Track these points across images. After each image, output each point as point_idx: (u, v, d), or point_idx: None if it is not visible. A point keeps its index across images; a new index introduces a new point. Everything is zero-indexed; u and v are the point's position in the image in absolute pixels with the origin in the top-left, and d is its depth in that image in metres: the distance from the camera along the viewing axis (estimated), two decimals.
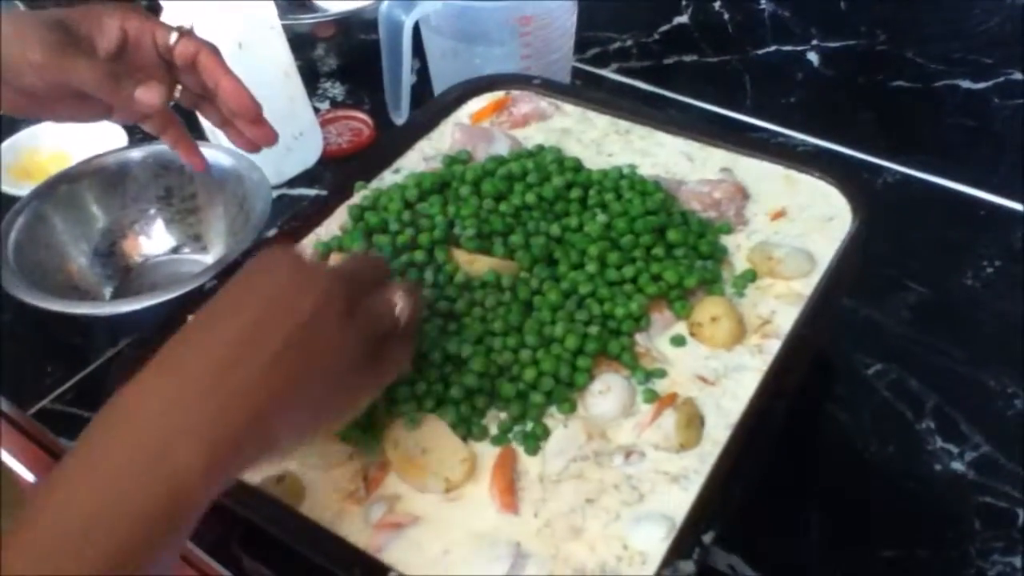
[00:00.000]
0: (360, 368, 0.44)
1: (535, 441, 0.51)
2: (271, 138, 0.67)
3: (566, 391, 0.53)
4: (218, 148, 0.79)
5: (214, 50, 0.64)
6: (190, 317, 0.43)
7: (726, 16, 0.90)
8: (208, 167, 0.73)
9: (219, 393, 0.39)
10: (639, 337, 0.56)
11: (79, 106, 0.63)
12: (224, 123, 0.68)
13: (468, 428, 0.52)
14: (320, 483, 0.51)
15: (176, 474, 0.36)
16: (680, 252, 0.60)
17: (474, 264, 0.59)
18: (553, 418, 0.53)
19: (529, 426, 0.52)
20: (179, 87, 0.66)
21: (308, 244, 0.65)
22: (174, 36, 0.63)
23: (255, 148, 0.69)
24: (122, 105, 0.63)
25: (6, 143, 0.89)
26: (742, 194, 0.66)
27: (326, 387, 0.43)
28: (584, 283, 0.57)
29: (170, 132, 0.69)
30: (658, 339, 0.57)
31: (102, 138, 0.87)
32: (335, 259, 0.60)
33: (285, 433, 0.41)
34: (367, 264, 0.50)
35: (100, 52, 0.62)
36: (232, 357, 0.40)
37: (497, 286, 0.58)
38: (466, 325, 0.56)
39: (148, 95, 0.62)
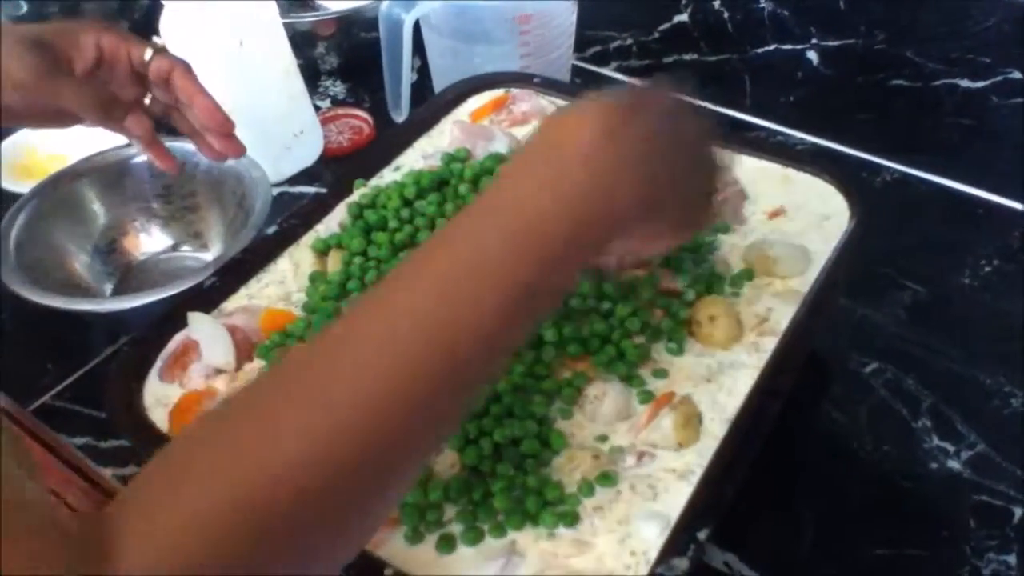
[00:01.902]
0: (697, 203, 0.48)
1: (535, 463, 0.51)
2: (240, 151, 0.69)
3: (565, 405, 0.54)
4: None
5: (187, 67, 0.66)
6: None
7: (726, 15, 0.90)
8: (182, 165, 0.74)
9: (584, 184, 0.40)
10: (638, 339, 0.56)
11: (53, 118, 0.65)
12: (194, 134, 0.70)
13: (474, 453, 0.50)
14: None
15: (613, 209, 0.40)
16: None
17: None
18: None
19: (526, 445, 0.51)
20: (149, 96, 0.69)
21: (307, 242, 0.65)
22: (149, 53, 0.66)
23: (222, 158, 0.71)
24: (105, 123, 0.66)
25: (6, 141, 0.89)
26: (740, 193, 0.66)
27: (686, 205, 0.46)
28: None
29: (143, 137, 0.70)
30: (656, 339, 0.57)
31: (102, 136, 0.87)
32: None
33: (634, 229, 0.43)
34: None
35: (77, 70, 0.64)
36: (658, 154, 0.42)
37: None
38: None
39: (138, 126, 0.66)
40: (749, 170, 0.68)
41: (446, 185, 0.67)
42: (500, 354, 0.39)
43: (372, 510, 0.36)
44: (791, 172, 0.67)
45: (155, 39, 0.66)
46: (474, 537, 0.47)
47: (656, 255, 0.55)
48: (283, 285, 0.63)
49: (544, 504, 0.48)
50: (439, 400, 0.36)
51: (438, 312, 0.36)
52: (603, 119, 0.41)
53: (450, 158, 0.69)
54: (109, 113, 0.65)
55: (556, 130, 0.42)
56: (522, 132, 0.73)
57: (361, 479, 0.33)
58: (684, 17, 0.93)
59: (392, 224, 0.63)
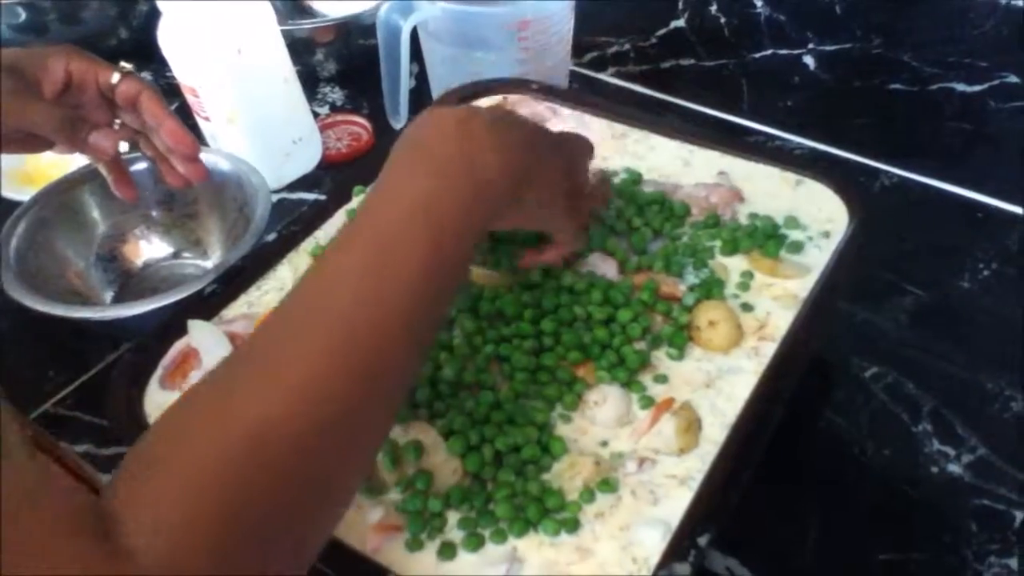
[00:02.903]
0: (559, 189, 0.53)
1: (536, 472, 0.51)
2: (203, 176, 0.71)
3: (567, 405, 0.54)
4: (219, 153, 0.80)
5: (154, 91, 0.68)
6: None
7: (723, 20, 0.90)
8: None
9: (507, 132, 0.47)
10: (638, 344, 0.56)
11: (26, 143, 0.66)
12: (159, 158, 0.71)
13: (476, 460, 0.50)
14: None
15: (482, 175, 0.45)
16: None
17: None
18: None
19: (527, 452, 0.51)
20: (118, 121, 0.69)
21: (307, 248, 0.65)
22: (116, 77, 0.67)
23: (186, 184, 0.72)
24: (76, 148, 0.67)
25: None
26: (738, 197, 0.66)
27: (544, 175, 0.51)
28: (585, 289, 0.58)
29: (108, 156, 0.70)
30: (656, 345, 0.57)
31: None
32: None
33: (532, 190, 0.49)
34: (577, 138, 0.58)
35: (47, 93, 0.65)
36: (506, 116, 0.49)
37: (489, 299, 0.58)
38: (459, 347, 0.56)
39: (103, 142, 0.67)
40: (747, 174, 0.68)
41: None
42: (422, 318, 0.42)
43: (348, 456, 0.39)
44: (789, 176, 0.67)
45: (123, 63, 0.67)
46: (475, 544, 0.47)
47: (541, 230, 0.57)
48: (283, 292, 0.63)
49: (545, 511, 0.48)
50: (375, 356, 0.39)
51: (360, 290, 0.40)
52: (458, 111, 0.47)
53: None
54: (77, 134, 0.66)
55: (417, 127, 0.47)
56: None
57: (332, 430, 0.37)
58: (681, 22, 0.93)
59: None
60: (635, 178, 0.68)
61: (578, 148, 0.57)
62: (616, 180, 0.68)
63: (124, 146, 0.69)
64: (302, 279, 0.41)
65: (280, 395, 0.36)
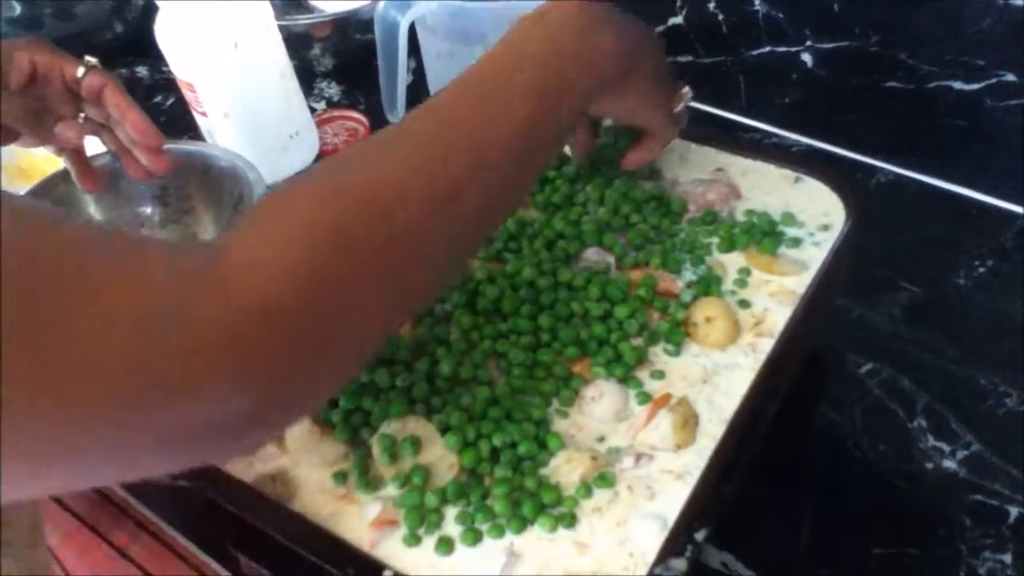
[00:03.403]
0: (663, 87, 0.59)
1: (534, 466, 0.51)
2: (166, 167, 0.72)
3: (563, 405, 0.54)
4: (214, 147, 0.79)
5: (118, 83, 0.69)
6: None
7: (720, 17, 0.90)
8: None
9: (618, 27, 0.51)
10: (635, 340, 0.56)
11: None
12: (122, 151, 0.72)
13: (473, 456, 0.51)
14: (315, 481, 0.51)
15: (596, 51, 0.49)
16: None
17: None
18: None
19: (523, 447, 0.51)
20: (83, 114, 0.71)
21: None
22: (81, 70, 0.68)
23: (148, 176, 0.73)
24: (41, 139, 0.69)
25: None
26: (735, 194, 0.66)
27: (652, 61, 0.55)
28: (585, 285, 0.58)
29: (72, 146, 0.71)
30: (653, 341, 0.57)
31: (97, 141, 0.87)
32: None
33: (637, 78, 0.54)
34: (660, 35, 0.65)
35: (12, 85, 0.66)
36: (621, 15, 0.52)
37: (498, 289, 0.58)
38: (456, 342, 0.56)
39: (68, 133, 0.68)
40: (744, 171, 0.68)
41: None
42: (518, 162, 0.45)
43: (446, 239, 0.41)
44: (786, 173, 0.67)
45: (88, 58, 0.68)
46: (473, 538, 0.48)
47: (635, 123, 0.62)
48: None
49: (542, 507, 0.48)
50: (479, 160, 0.42)
51: (470, 121, 0.43)
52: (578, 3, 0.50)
53: None
54: (42, 125, 0.68)
55: (546, 8, 0.49)
56: None
57: (439, 206, 0.40)
58: (679, 19, 0.93)
59: None
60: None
61: (663, 45, 0.60)
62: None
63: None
64: (416, 110, 0.44)
65: (397, 165, 0.39)
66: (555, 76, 0.46)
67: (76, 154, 0.72)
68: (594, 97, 0.50)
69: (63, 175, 0.76)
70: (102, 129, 0.71)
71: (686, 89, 0.62)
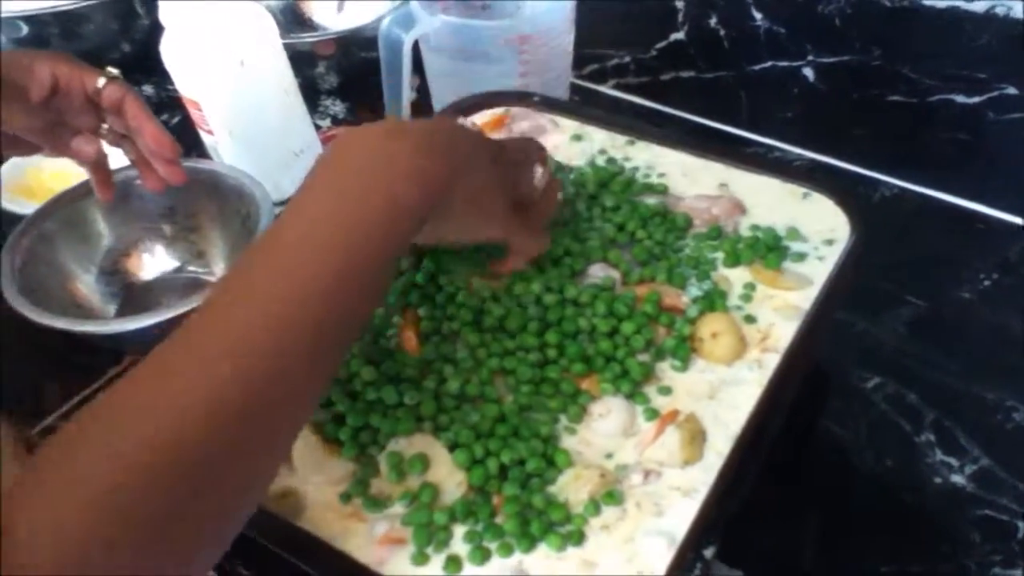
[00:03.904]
0: (501, 201, 0.54)
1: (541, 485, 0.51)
2: (181, 178, 0.72)
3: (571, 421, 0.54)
4: (220, 165, 0.80)
5: (138, 96, 0.70)
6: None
7: (722, 32, 0.91)
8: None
9: (428, 155, 0.46)
10: (642, 356, 0.56)
11: (13, 144, 0.69)
12: (140, 162, 0.73)
13: (481, 473, 0.50)
14: (323, 499, 0.51)
15: (395, 198, 0.44)
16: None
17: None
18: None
19: (532, 464, 0.51)
20: (104, 125, 0.71)
21: None
22: (102, 81, 0.68)
23: (163, 187, 0.74)
24: (59, 152, 0.69)
25: (8, 162, 0.89)
26: (739, 209, 0.66)
27: (481, 189, 0.51)
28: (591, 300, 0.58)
29: (90, 160, 0.72)
30: (660, 357, 0.57)
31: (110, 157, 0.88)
32: None
33: (458, 207, 0.49)
34: (524, 142, 0.59)
35: (33, 97, 0.66)
36: (435, 134, 0.48)
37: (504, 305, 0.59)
38: (463, 360, 0.56)
39: (85, 147, 0.69)
40: (748, 186, 0.68)
41: None
42: (325, 338, 0.41)
43: (238, 461, 0.38)
44: (790, 188, 0.68)
45: (109, 68, 0.69)
46: (481, 557, 0.47)
47: (485, 241, 0.57)
48: None
49: (550, 525, 0.48)
50: (275, 373, 0.39)
51: (261, 309, 0.40)
52: (383, 129, 0.47)
53: None
54: (59, 139, 0.68)
55: (338, 145, 0.47)
56: None
57: (226, 440, 0.37)
58: (681, 35, 0.94)
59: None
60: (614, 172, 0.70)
61: (521, 156, 0.57)
62: (571, 175, 0.70)
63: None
64: (202, 304, 0.41)
65: (175, 416, 0.36)
66: (360, 229, 0.43)
67: (98, 164, 0.72)
68: (412, 235, 0.46)
69: (71, 194, 0.76)
70: (123, 140, 0.72)
71: (539, 172, 0.58)
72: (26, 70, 0.66)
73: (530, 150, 0.58)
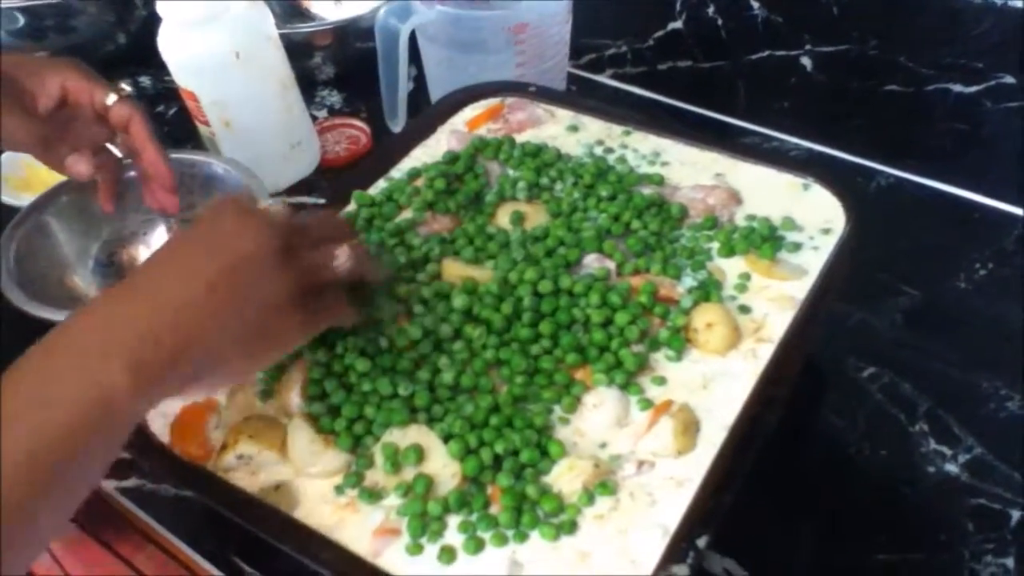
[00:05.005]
0: (289, 312, 0.47)
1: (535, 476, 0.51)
2: (174, 210, 0.73)
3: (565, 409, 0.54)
4: (217, 157, 0.80)
5: (144, 118, 0.70)
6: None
7: (720, 22, 0.90)
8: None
9: (150, 320, 0.42)
10: (636, 347, 0.57)
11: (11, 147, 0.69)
12: (143, 177, 0.74)
13: (475, 464, 0.51)
14: (318, 491, 0.51)
15: (103, 387, 0.40)
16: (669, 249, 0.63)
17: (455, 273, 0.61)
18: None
19: (525, 455, 0.51)
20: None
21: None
22: (112, 98, 0.68)
23: (163, 210, 0.74)
24: (52, 166, 0.70)
25: (6, 155, 0.89)
26: (735, 200, 0.66)
27: (253, 324, 0.46)
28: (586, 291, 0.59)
29: (81, 179, 0.71)
30: (654, 348, 0.57)
31: None
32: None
33: (210, 364, 0.44)
34: (324, 222, 0.53)
35: (40, 108, 0.66)
36: (165, 288, 0.43)
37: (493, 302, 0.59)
38: (458, 351, 0.56)
39: (77, 166, 0.69)
40: (744, 176, 0.68)
41: (459, 181, 0.69)
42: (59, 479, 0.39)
43: None
44: (786, 178, 0.68)
45: (122, 84, 0.69)
46: (475, 547, 0.48)
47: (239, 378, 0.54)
48: None
49: (544, 516, 0.49)
50: None
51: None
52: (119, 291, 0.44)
53: (451, 156, 0.71)
54: (54, 154, 0.68)
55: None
56: (517, 140, 0.73)
57: None
58: (678, 24, 0.93)
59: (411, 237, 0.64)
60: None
61: (323, 239, 0.51)
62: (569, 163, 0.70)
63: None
64: None
65: None
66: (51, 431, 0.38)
67: (111, 175, 0.73)
68: (153, 402, 0.42)
69: (67, 186, 0.76)
70: (133, 153, 0.72)
71: (343, 254, 0.51)
72: (36, 78, 0.65)
73: (334, 230, 0.53)
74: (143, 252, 0.79)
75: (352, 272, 0.51)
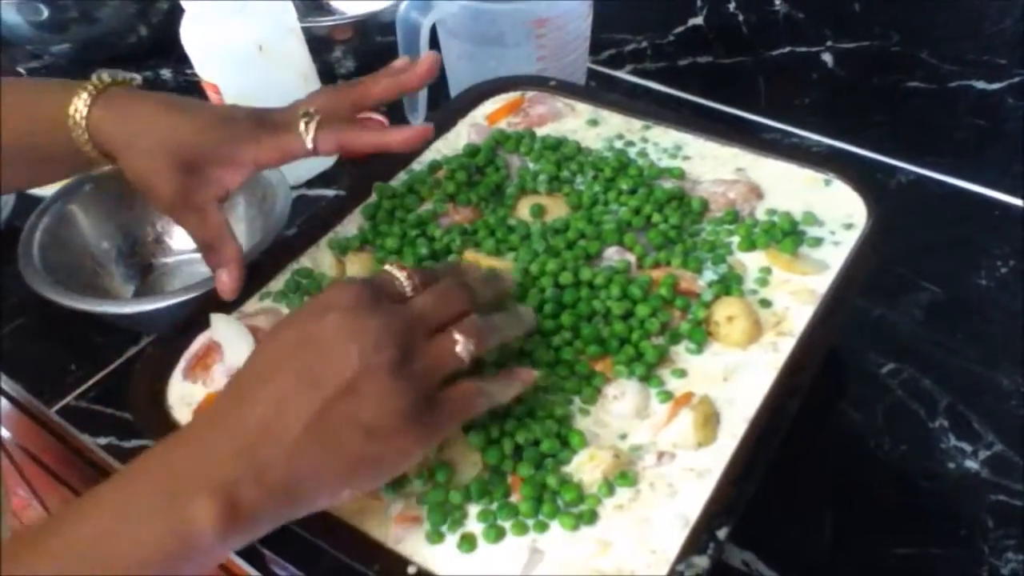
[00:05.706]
0: (403, 431, 0.42)
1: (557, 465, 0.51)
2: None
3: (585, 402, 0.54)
4: None
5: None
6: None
7: (740, 17, 0.90)
8: None
9: (245, 460, 0.40)
10: (656, 339, 0.57)
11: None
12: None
13: (496, 453, 0.51)
14: None
15: (186, 525, 0.38)
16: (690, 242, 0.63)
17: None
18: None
19: (546, 445, 0.51)
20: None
21: (326, 243, 0.66)
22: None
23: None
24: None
25: None
26: (756, 194, 0.66)
27: (368, 448, 0.42)
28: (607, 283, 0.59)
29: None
30: (675, 340, 0.57)
31: None
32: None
33: (317, 494, 0.43)
34: (443, 297, 0.46)
35: (217, 196, 0.59)
36: (264, 424, 0.40)
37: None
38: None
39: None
40: (765, 171, 0.68)
41: (480, 173, 0.69)
42: None
43: None
44: (807, 173, 0.67)
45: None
46: (495, 536, 0.48)
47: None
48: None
49: (564, 506, 0.49)
50: None
51: None
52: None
53: (471, 149, 0.71)
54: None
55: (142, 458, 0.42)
56: (539, 134, 0.73)
57: None
58: (699, 20, 0.93)
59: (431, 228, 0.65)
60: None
61: (441, 323, 0.45)
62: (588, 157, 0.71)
63: None
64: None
65: None
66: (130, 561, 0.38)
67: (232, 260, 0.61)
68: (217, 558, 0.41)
69: (90, 177, 0.77)
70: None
71: (460, 342, 0.45)
72: (229, 164, 0.58)
73: (453, 304, 0.46)
74: (165, 242, 0.80)
75: (479, 349, 0.46)
